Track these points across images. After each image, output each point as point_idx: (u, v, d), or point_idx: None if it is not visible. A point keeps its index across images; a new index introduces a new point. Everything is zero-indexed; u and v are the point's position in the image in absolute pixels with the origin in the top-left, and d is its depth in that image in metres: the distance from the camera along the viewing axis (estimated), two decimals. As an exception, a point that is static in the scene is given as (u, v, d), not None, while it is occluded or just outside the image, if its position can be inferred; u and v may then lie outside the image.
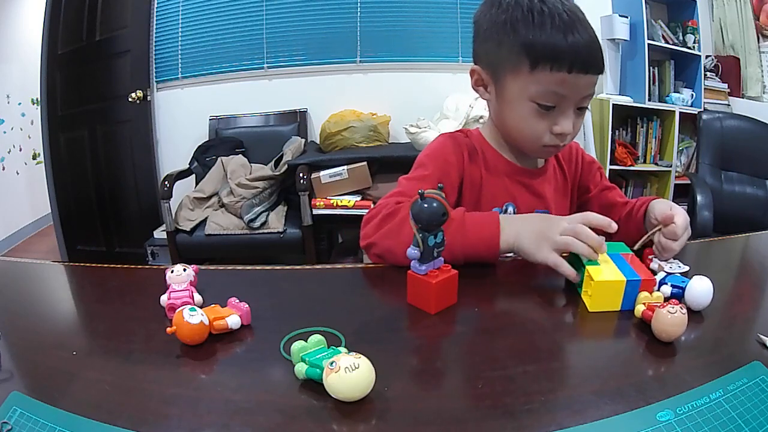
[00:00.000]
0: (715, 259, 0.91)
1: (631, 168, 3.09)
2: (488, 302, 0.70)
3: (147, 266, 0.84)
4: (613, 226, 0.70)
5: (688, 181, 2.45)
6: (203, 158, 2.76)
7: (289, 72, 2.98)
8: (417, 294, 0.67)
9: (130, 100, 2.87)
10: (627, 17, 2.94)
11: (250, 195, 2.52)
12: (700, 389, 0.48)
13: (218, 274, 0.81)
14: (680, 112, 3.01)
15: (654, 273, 0.71)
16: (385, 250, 0.79)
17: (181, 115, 3.01)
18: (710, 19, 3.19)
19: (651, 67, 3.03)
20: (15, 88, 3.54)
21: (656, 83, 3.12)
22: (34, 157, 3.77)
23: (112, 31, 2.88)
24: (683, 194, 2.86)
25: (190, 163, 2.78)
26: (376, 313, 0.67)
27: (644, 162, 3.17)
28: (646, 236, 0.80)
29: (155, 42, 2.95)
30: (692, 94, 3.08)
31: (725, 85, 3.14)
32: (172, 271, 0.67)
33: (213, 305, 0.62)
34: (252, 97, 2.99)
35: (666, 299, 0.61)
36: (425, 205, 0.62)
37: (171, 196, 2.48)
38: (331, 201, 2.55)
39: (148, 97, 2.93)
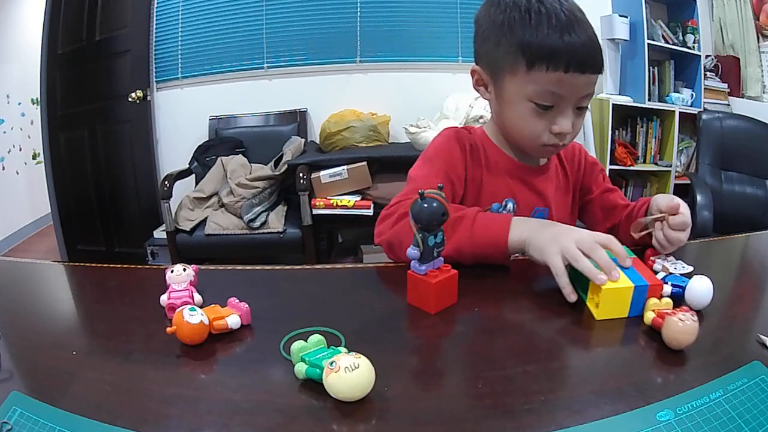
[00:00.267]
0: (715, 259, 0.91)
1: (631, 168, 3.09)
2: (488, 302, 0.70)
3: (147, 266, 0.84)
4: (627, 263, 0.66)
5: (688, 181, 2.45)
6: (203, 158, 2.76)
7: (289, 72, 2.98)
8: (417, 294, 0.67)
9: (130, 100, 2.87)
10: (627, 17, 2.94)
11: (250, 195, 2.52)
12: (700, 389, 0.48)
13: (218, 274, 0.81)
14: (680, 112, 3.01)
15: (656, 273, 0.71)
16: (397, 247, 0.79)
17: (181, 115, 3.01)
18: (710, 19, 3.19)
19: (651, 67, 3.03)
20: (15, 88, 3.54)
21: (656, 83, 3.12)
22: (34, 157, 3.77)
23: (112, 31, 2.87)
24: (683, 194, 2.85)
25: (190, 163, 2.78)
26: (376, 313, 0.67)
27: (644, 162, 3.17)
28: (649, 218, 0.81)
29: (155, 42, 2.94)
30: (692, 94, 3.08)
31: (725, 85, 3.14)
32: (172, 271, 0.67)
33: (213, 305, 0.62)
34: (252, 97, 2.99)
35: (675, 306, 0.60)
36: (425, 205, 0.62)
37: (171, 196, 2.48)
38: (331, 201, 2.55)
39: (148, 97, 2.92)
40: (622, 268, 0.65)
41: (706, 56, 3.14)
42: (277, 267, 0.81)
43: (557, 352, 0.59)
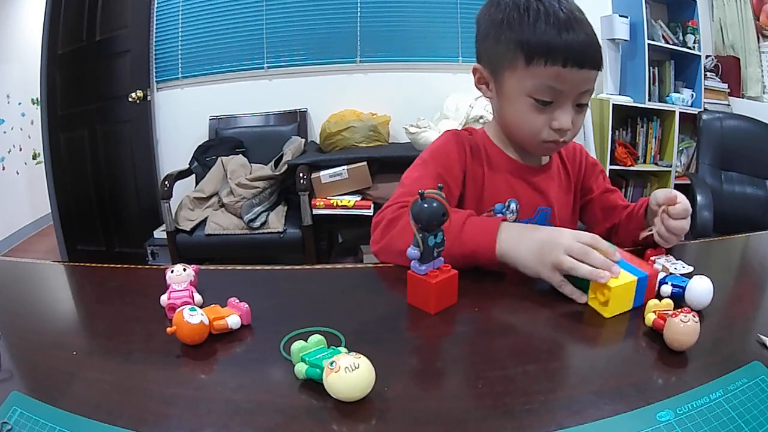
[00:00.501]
0: (715, 259, 0.91)
1: (631, 168, 3.09)
2: (488, 302, 0.70)
3: (147, 266, 0.84)
4: (617, 256, 0.67)
5: (688, 181, 2.45)
6: (203, 158, 2.76)
7: (289, 72, 2.98)
8: (417, 294, 0.67)
9: (130, 100, 2.87)
10: (627, 17, 2.94)
11: (250, 195, 2.52)
12: (700, 389, 0.48)
13: (218, 274, 0.81)
14: (680, 112, 3.01)
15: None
16: (393, 254, 0.79)
17: (181, 115, 3.01)
18: (710, 19, 3.19)
19: (651, 67, 3.03)
20: (15, 88, 3.54)
21: (656, 83, 3.12)
22: (34, 157, 3.77)
23: (112, 31, 2.87)
24: (683, 194, 2.86)
25: (190, 163, 2.78)
26: (376, 313, 0.67)
27: (644, 162, 3.17)
28: (646, 231, 0.82)
29: (155, 42, 2.94)
30: (692, 94, 3.08)
31: (725, 85, 3.14)
32: (172, 271, 0.67)
33: (213, 305, 0.62)
34: (252, 97, 2.98)
35: (675, 307, 0.60)
36: (425, 205, 0.62)
37: (171, 196, 2.48)
38: (331, 201, 2.55)
39: (148, 97, 2.92)
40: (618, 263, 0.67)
41: (707, 56, 3.14)
42: (277, 267, 0.82)
43: (557, 352, 0.59)
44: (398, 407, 0.48)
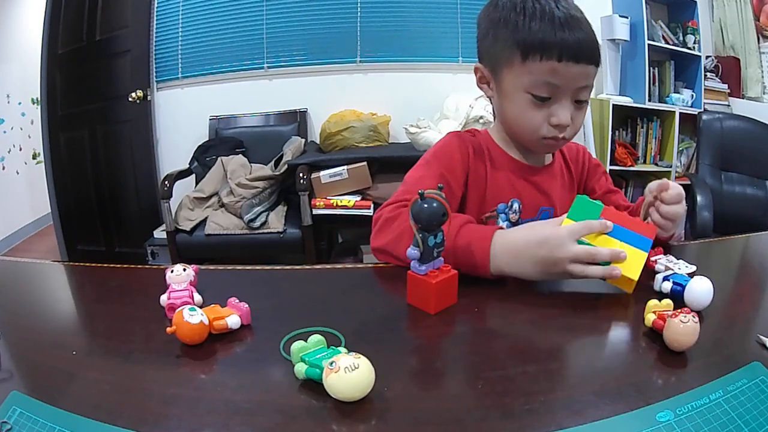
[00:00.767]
0: (715, 260, 0.91)
1: (631, 168, 3.09)
2: (488, 302, 0.70)
3: (147, 266, 0.84)
4: (609, 225, 0.70)
5: (688, 182, 2.44)
6: (203, 158, 2.76)
7: (289, 72, 2.98)
8: (417, 294, 0.67)
9: (130, 100, 2.87)
10: (627, 17, 2.95)
11: (250, 195, 2.52)
12: (700, 389, 0.48)
13: (218, 274, 0.81)
14: (680, 113, 3.02)
15: (658, 273, 0.71)
16: (392, 258, 0.80)
17: (181, 115, 3.01)
18: (710, 20, 3.19)
19: (651, 68, 3.03)
20: (15, 88, 3.54)
21: (656, 83, 3.12)
22: (34, 157, 3.77)
23: (112, 31, 2.87)
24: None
25: (190, 163, 2.78)
26: (376, 313, 0.67)
27: (644, 162, 3.17)
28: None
29: (155, 42, 2.94)
30: (692, 95, 3.08)
31: (725, 86, 3.14)
32: (172, 271, 0.67)
33: (213, 305, 0.62)
34: (252, 97, 2.98)
35: (675, 307, 0.60)
36: (425, 205, 0.62)
37: (171, 196, 2.48)
38: (331, 201, 2.55)
39: (148, 97, 2.92)
40: (619, 235, 0.70)
41: (707, 57, 3.14)
42: (277, 267, 0.82)
43: (557, 352, 0.59)
44: (398, 407, 0.48)
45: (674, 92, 3.12)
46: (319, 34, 2.93)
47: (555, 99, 0.82)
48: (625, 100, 3.02)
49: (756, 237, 0.96)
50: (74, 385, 0.51)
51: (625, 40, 2.98)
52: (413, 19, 2.92)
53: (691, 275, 0.68)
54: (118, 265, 0.83)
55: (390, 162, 2.59)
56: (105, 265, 0.84)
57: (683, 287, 0.65)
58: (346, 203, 2.55)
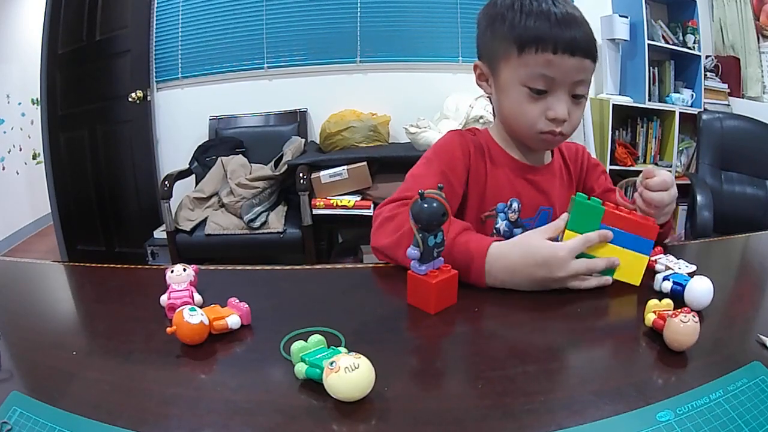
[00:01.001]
0: (715, 260, 0.91)
1: (631, 168, 3.08)
2: (488, 302, 0.70)
3: (147, 266, 0.84)
4: (608, 235, 0.71)
5: (688, 182, 2.45)
6: (203, 158, 2.76)
7: (289, 72, 2.98)
8: (417, 294, 0.67)
9: (130, 100, 2.87)
10: (627, 17, 2.94)
11: (250, 195, 2.52)
12: (700, 389, 0.48)
13: (218, 274, 0.81)
14: (680, 113, 3.01)
15: (658, 273, 0.71)
16: (392, 260, 0.80)
17: (181, 115, 3.01)
18: (710, 19, 3.19)
19: (651, 67, 3.03)
20: (15, 88, 3.54)
21: (656, 83, 3.12)
22: (34, 157, 3.77)
23: (112, 31, 2.87)
24: (683, 194, 2.86)
25: (190, 163, 2.78)
26: (376, 313, 0.67)
27: (644, 162, 3.17)
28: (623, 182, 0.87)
29: (155, 42, 2.94)
30: (692, 95, 3.08)
31: (725, 86, 3.14)
32: (172, 271, 0.67)
33: (213, 305, 0.62)
34: (252, 97, 2.98)
35: (675, 306, 0.60)
36: (425, 205, 0.62)
37: (171, 196, 2.48)
38: (331, 201, 2.55)
39: (148, 97, 2.92)
40: (621, 241, 0.71)
41: (707, 56, 3.14)
42: (277, 267, 0.82)
43: (557, 352, 0.59)
44: (398, 407, 0.48)
45: (674, 92, 3.12)
46: (319, 34, 2.93)
47: (551, 92, 0.83)
48: (625, 100, 3.02)
49: (756, 237, 0.96)
50: (74, 385, 0.52)
51: (625, 40, 2.98)
52: (413, 19, 2.92)
53: (691, 275, 0.68)
54: (118, 265, 0.83)
55: (390, 162, 2.59)
56: (105, 265, 0.84)
57: (683, 287, 0.65)
58: (346, 203, 2.55)
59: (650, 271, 0.72)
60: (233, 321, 0.60)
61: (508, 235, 0.84)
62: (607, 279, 0.72)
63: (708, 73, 3.13)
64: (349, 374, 0.46)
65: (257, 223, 2.48)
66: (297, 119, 2.96)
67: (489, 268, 0.72)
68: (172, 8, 2.93)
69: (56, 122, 2.98)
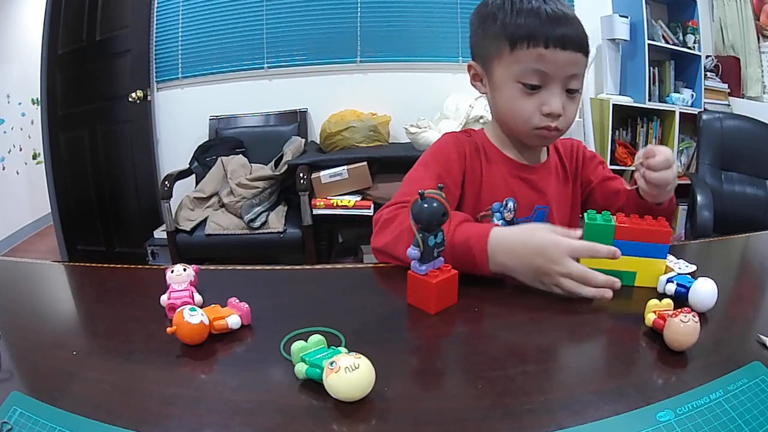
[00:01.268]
0: (715, 260, 0.91)
1: (632, 168, 3.08)
2: (488, 302, 0.70)
3: (147, 266, 0.84)
4: (617, 255, 0.68)
5: (688, 181, 2.45)
6: (203, 158, 2.76)
7: (289, 72, 2.97)
8: (417, 294, 0.67)
9: (130, 100, 2.87)
10: (627, 17, 2.94)
11: (250, 195, 2.52)
12: (700, 389, 0.48)
13: (218, 274, 0.81)
14: (680, 112, 3.01)
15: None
16: (392, 259, 0.80)
17: (181, 115, 3.01)
18: (710, 19, 3.19)
19: (651, 67, 3.03)
20: (15, 88, 3.54)
21: (656, 83, 3.12)
22: (34, 157, 3.77)
23: (112, 31, 2.87)
24: (683, 194, 2.86)
25: (190, 163, 2.78)
26: (376, 313, 0.67)
27: (644, 162, 3.17)
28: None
29: (155, 42, 2.94)
30: (692, 94, 3.08)
31: (725, 85, 3.14)
32: (172, 271, 0.67)
33: (213, 305, 0.62)
34: (252, 97, 2.98)
35: (675, 305, 0.60)
36: (425, 205, 0.62)
37: (171, 196, 2.48)
38: (331, 201, 2.55)
39: (149, 97, 2.92)
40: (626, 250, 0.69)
41: (707, 56, 3.14)
42: (277, 267, 0.82)
43: (557, 352, 0.59)
44: (398, 407, 0.48)
45: (674, 92, 3.12)
46: (319, 34, 2.93)
47: (545, 87, 0.83)
48: (625, 100, 3.02)
49: (756, 237, 0.96)
50: (74, 385, 0.52)
51: (625, 40, 2.97)
52: (413, 19, 2.92)
53: (692, 275, 0.68)
54: (118, 265, 0.83)
55: (390, 162, 2.59)
56: (105, 265, 0.84)
57: (687, 289, 0.65)
58: (346, 203, 2.55)
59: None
60: (233, 321, 0.60)
61: None
62: (607, 293, 0.68)
63: (708, 73, 3.13)
64: (349, 374, 0.46)
65: (257, 223, 2.48)
66: (297, 119, 2.96)
67: (492, 251, 0.71)
68: (172, 8, 2.93)
69: (56, 122, 2.98)
